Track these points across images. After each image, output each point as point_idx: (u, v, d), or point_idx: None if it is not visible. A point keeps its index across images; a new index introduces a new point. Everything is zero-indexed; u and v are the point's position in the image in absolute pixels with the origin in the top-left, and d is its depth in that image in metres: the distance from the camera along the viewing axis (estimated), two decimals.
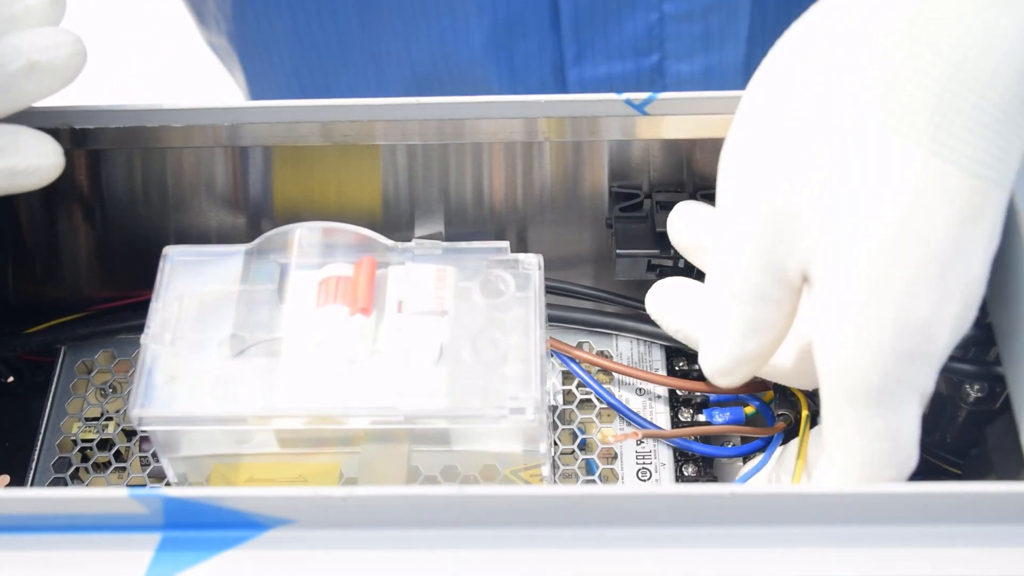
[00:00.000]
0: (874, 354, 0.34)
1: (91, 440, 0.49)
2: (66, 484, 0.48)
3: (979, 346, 0.43)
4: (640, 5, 0.62)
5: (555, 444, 0.48)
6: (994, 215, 0.35)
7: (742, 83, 0.39)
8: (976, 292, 0.35)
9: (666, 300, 0.46)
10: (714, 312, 0.39)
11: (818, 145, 0.35)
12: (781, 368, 0.43)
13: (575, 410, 0.50)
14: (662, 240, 0.48)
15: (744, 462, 0.51)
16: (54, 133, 0.45)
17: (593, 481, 0.48)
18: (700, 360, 0.41)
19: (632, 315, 0.51)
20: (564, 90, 0.65)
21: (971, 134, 0.34)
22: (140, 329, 0.43)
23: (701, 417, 0.49)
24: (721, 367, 0.40)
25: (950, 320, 0.35)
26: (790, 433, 0.48)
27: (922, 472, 0.47)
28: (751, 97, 0.38)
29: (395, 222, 0.52)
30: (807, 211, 0.36)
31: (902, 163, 0.34)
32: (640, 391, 0.50)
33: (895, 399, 0.35)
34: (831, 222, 0.35)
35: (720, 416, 0.49)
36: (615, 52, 0.64)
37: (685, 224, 0.47)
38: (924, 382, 0.35)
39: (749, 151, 0.37)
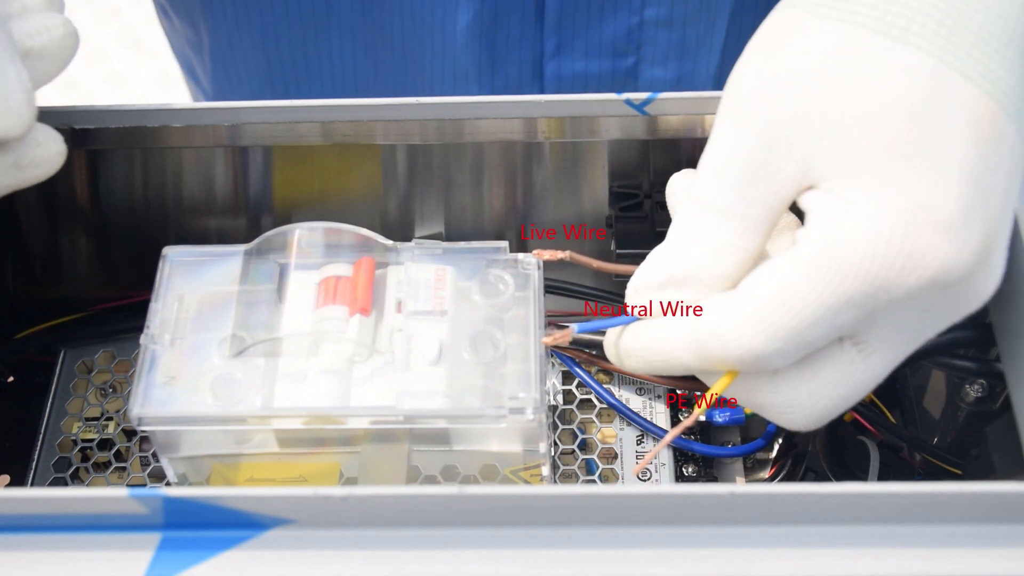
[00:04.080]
0: (885, 243, 0.32)
1: (91, 440, 0.50)
2: (66, 484, 0.49)
3: (979, 346, 0.43)
4: (622, 7, 0.62)
5: (555, 444, 0.48)
6: (1013, 155, 0.33)
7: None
8: (997, 231, 0.33)
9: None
10: (673, 224, 0.36)
11: (815, 57, 0.34)
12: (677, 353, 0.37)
13: (575, 410, 0.50)
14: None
15: (744, 462, 0.51)
16: None
17: (593, 481, 0.48)
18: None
19: None
20: (541, 83, 0.65)
21: (981, 52, 0.32)
22: (140, 329, 0.43)
23: (701, 417, 0.49)
24: (645, 280, 0.37)
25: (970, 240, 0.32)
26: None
27: (922, 472, 0.47)
28: (751, 42, 0.36)
29: (395, 222, 0.52)
30: (803, 118, 0.34)
31: (910, 67, 0.32)
32: (640, 391, 0.50)
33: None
34: (833, 124, 0.33)
35: (720, 416, 0.49)
36: (594, 50, 0.64)
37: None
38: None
39: (742, 73, 0.35)
